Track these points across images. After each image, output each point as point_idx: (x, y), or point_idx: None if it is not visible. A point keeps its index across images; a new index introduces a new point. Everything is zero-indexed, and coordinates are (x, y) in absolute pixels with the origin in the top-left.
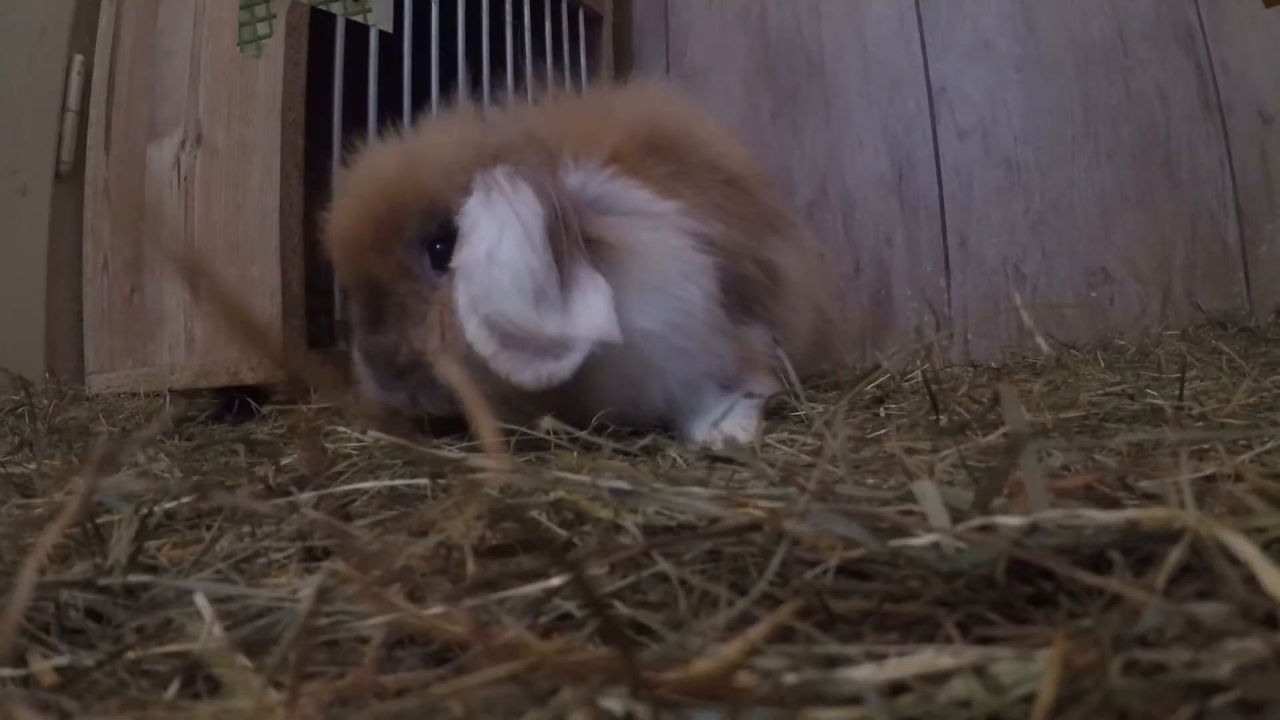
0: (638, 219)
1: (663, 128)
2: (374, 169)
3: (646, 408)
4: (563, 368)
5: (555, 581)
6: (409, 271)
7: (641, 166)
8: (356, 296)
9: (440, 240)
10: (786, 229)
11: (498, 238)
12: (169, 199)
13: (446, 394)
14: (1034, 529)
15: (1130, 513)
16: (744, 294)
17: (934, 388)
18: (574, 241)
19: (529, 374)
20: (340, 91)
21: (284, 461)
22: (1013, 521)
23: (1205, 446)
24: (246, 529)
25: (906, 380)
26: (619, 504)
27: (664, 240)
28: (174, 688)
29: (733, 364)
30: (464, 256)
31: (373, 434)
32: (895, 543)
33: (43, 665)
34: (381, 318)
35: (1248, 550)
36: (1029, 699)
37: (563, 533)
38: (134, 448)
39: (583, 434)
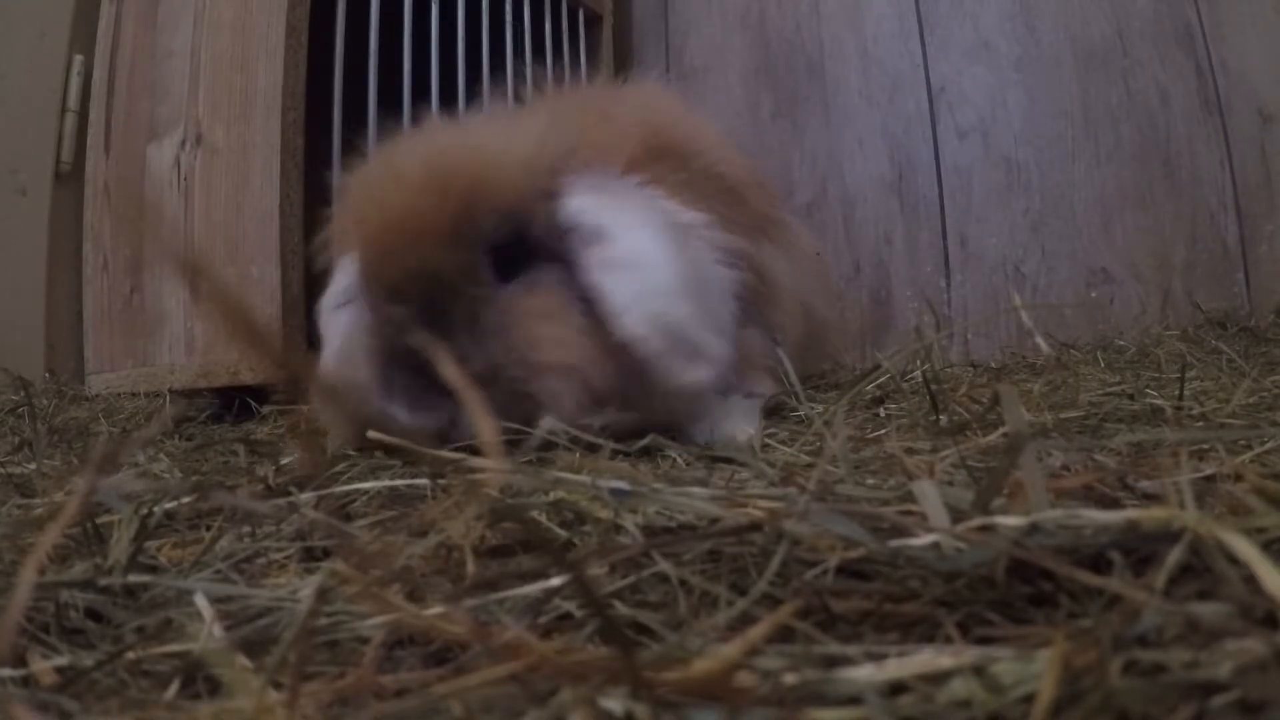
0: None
1: (665, 133)
2: (445, 156)
3: (658, 413)
4: (709, 374)
5: (555, 581)
6: (476, 276)
7: (658, 175)
8: (408, 296)
9: (509, 246)
10: (778, 232)
11: (644, 236)
12: (169, 199)
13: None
14: (1034, 529)
15: (1130, 513)
16: (743, 299)
17: (934, 388)
18: None
19: (689, 376)
20: (340, 91)
21: (284, 461)
22: (1013, 521)
23: (1205, 446)
24: (246, 529)
25: (906, 380)
26: (619, 504)
27: (695, 257)
28: (174, 688)
29: (736, 368)
30: (614, 251)
31: (372, 434)
32: (895, 543)
33: (43, 665)
34: (445, 322)
35: (1248, 550)
36: (1029, 699)
37: (563, 533)
38: (134, 448)
39: (582, 434)
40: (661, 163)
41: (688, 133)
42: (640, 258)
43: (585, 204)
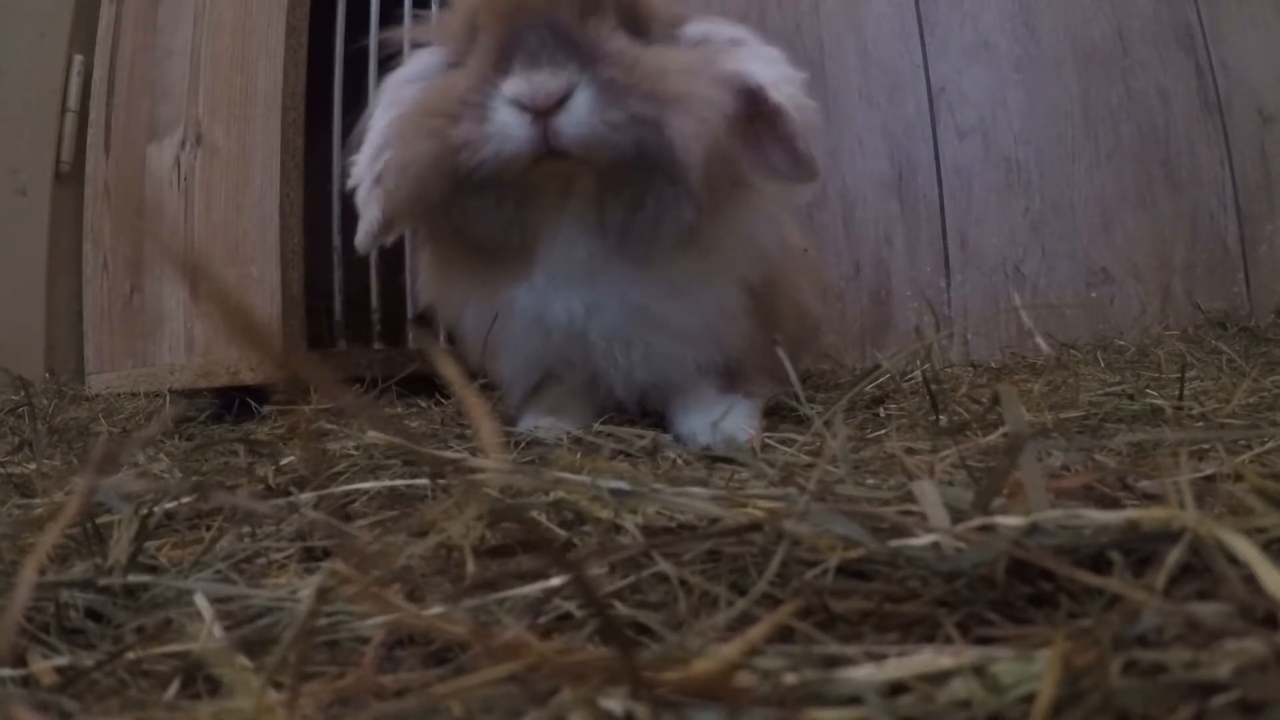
0: None
1: None
2: None
3: (661, 383)
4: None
5: (555, 581)
6: (613, 23)
7: None
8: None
9: (626, 30)
10: None
11: (770, 48)
12: (169, 199)
13: (632, 99)
14: (1034, 529)
15: (1130, 513)
16: None
17: (934, 388)
18: None
19: (819, 161)
20: (340, 91)
21: (284, 461)
22: (1013, 521)
23: (1205, 446)
24: (246, 529)
25: (906, 380)
26: (619, 504)
27: None
28: (174, 688)
29: (738, 365)
30: (755, 49)
31: (372, 434)
32: (895, 543)
33: (43, 665)
34: (583, 33)
35: (1248, 550)
36: (1029, 699)
37: (563, 533)
38: (134, 448)
39: (581, 433)
40: None
41: None
42: (776, 57)
43: (709, 26)
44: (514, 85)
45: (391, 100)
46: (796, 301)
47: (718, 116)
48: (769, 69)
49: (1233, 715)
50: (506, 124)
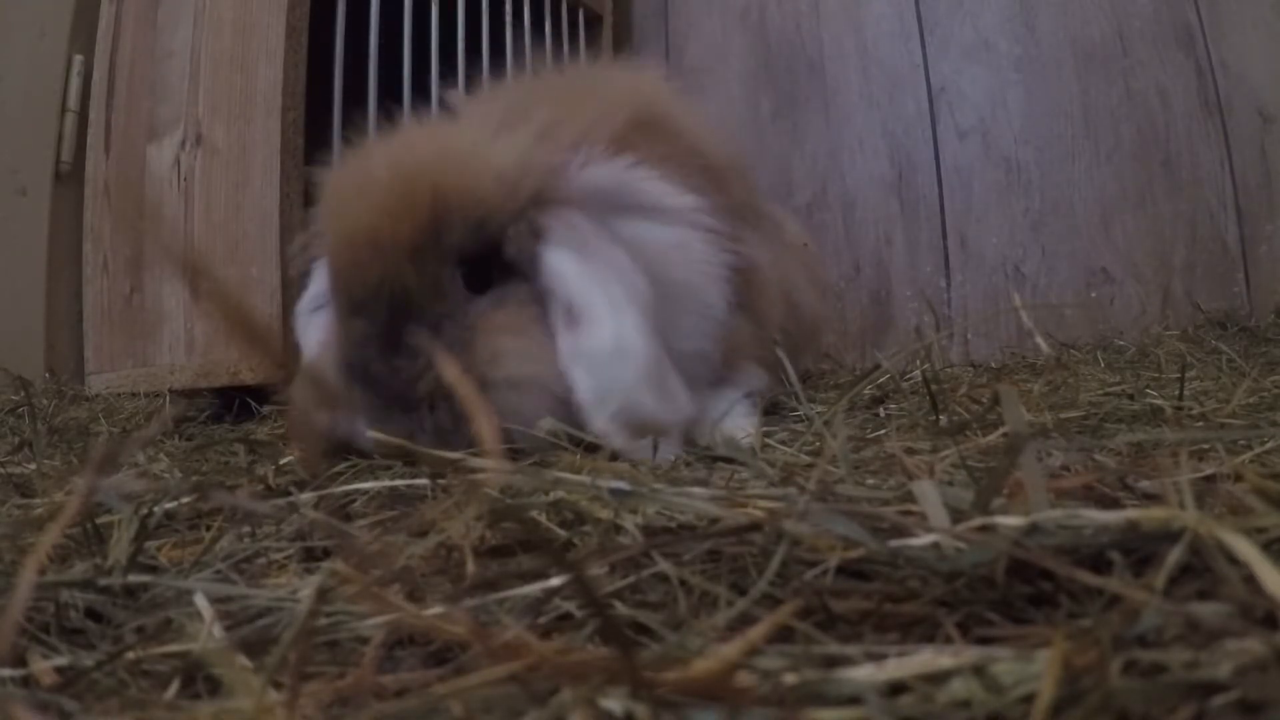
0: (660, 217)
1: (652, 110)
2: (413, 163)
3: None
4: (672, 448)
5: (555, 581)
6: (442, 289)
7: (645, 153)
8: (372, 310)
9: (481, 259)
10: (758, 220)
11: (619, 321)
12: (169, 199)
13: (461, 431)
14: (1034, 529)
15: (1130, 513)
16: (731, 284)
17: (934, 388)
18: None
19: (643, 454)
20: (340, 91)
21: (284, 461)
22: (1012, 521)
23: (1205, 446)
24: (246, 529)
25: (906, 380)
26: (619, 504)
27: (689, 244)
28: (174, 688)
29: (725, 359)
30: (588, 340)
31: (373, 434)
32: (895, 543)
33: (43, 665)
34: (402, 339)
35: (1248, 550)
36: (1029, 699)
37: (563, 533)
38: (134, 448)
39: (582, 434)
40: (648, 139)
41: (674, 111)
42: (613, 347)
43: (564, 266)
44: (362, 433)
45: (303, 330)
46: (789, 296)
47: (543, 414)
48: (592, 377)
49: (1233, 715)
50: (368, 440)
